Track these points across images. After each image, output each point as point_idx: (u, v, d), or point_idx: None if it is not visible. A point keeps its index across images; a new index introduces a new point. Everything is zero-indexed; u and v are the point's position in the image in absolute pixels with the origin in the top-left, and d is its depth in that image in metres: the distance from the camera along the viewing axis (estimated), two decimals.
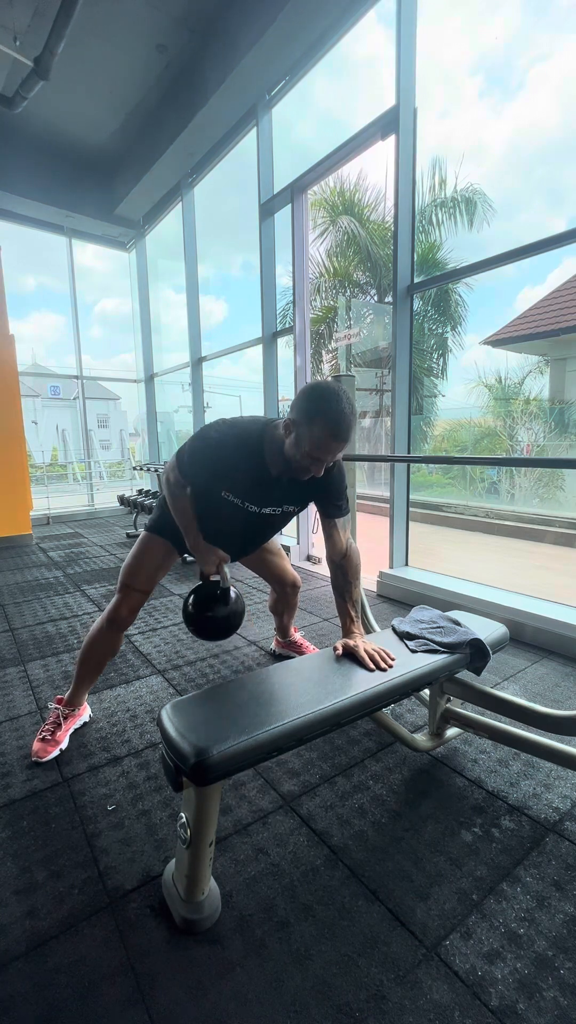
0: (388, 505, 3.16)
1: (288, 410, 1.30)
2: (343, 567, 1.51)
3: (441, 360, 10.11)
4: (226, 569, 1.46)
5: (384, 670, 1.26)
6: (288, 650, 2.24)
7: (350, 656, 1.33)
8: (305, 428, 1.23)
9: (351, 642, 1.35)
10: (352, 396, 1.86)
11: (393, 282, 2.95)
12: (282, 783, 1.45)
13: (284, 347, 4.32)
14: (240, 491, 1.42)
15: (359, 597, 1.54)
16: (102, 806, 1.37)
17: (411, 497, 3.17)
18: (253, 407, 10.04)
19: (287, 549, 4.02)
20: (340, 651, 1.35)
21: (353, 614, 1.46)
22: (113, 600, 1.62)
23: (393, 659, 1.30)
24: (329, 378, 1.50)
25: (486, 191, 9.22)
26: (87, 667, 1.66)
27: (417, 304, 7.30)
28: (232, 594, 1.47)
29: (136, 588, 1.61)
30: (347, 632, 1.43)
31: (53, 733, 1.61)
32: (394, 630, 1.52)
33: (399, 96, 2.81)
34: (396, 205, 2.88)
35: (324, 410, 1.20)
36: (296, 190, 3.75)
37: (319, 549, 3.97)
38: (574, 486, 7.09)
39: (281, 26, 3.20)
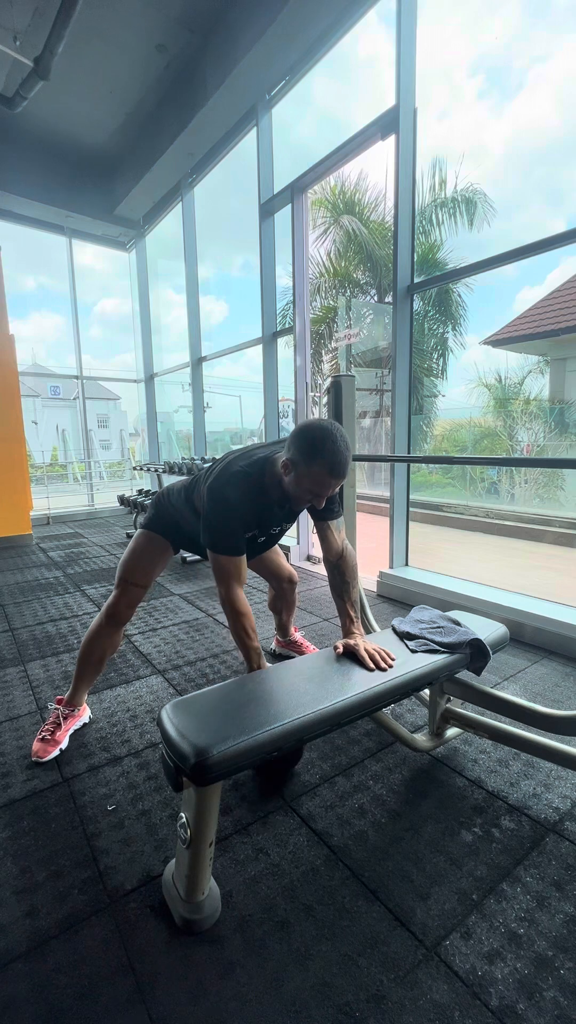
0: (388, 505, 3.16)
1: (285, 448, 1.33)
2: (339, 567, 1.52)
3: (441, 360, 10.12)
4: None
5: (384, 670, 1.26)
6: (288, 650, 2.24)
7: (350, 656, 1.33)
8: (304, 468, 1.27)
9: (351, 642, 1.35)
10: (352, 395, 1.87)
11: (393, 282, 2.95)
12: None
13: (284, 347, 4.32)
14: (252, 526, 1.48)
15: (358, 597, 1.54)
16: (102, 806, 1.37)
17: (411, 497, 3.17)
18: (253, 407, 10.03)
19: (287, 550, 4.02)
20: (340, 651, 1.35)
21: (352, 614, 1.46)
22: (111, 596, 1.64)
23: (393, 659, 1.30)
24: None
25: (486, 191, 9.23)
26: (87, 665, 1.66)
27: (417, 304, 7.30)
28: None
29: (134, 583, 1.63)
30: (347, 632, 1.43)
31: (53, 733, 1.61)
32: (394, 630, 1.52)
33: (399, 96, 2.81)
34: (396, 205, 2.88)
35: (321, 451, 1.24)
36: (296, 190, 3.75)
37: (319, 549, 3.97)
38: (574, 486, 7.09)
39: (281, 26, 3.20)
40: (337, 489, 1.39)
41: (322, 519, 1.52)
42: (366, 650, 1.31)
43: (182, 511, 1.61)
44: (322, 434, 1.26)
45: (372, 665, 1.27)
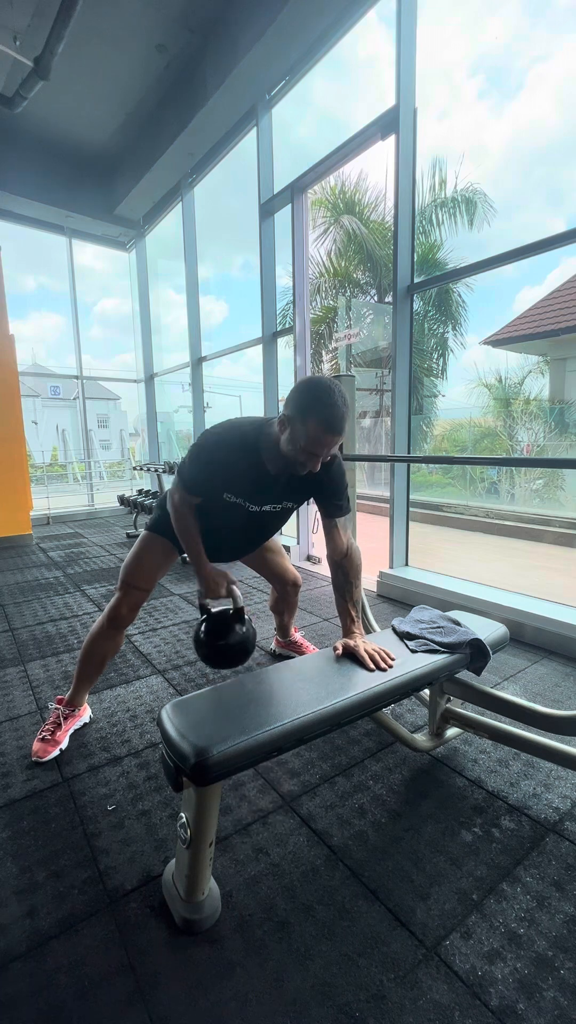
0: (388, 505, 3.16)
1: (284, 405, 1.30)
2: (344, 567, 1.50)
3: (441, 360, 10.12)
4: (237, 590, 1.45)
5: (384, 670, 1.26)
6: (288, 650, 2.24)
7: (350, 656, 1.33)
8: (299, 423, 1.23)
9: (351, 642, 1.35)
10: (352, 395, 1.87)
11: (393, 282, 2.95)
12: (282, 783, 1.45)
13: (284, 347, 4.32)
14: (240, 491, 1.42)
15: (360, 597, 1.54)
16: (102, 806, 1.37)
17: (411, 497, 3.17)
18: (253, 407, 10.03)
19: (287, 549, 4.02)
20: (340, 651, 1.35)
21: (354, 614, 1.46)
22: (114, 598, 1.63)
23: (393, 659, 1.30)
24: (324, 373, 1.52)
25: (486, 191, 9.24)
26: (88, 666, 1.66)
27: (417, 304, 7.30)
28: (247, 614, 1.46)
29: (136, 586, 1.62)
30: (347, 632, 1.42)
31: (53, 733, 1.61)
32: (394, 630, 1.51)
33: (399, 96, 2.81)
34: (396, 205, 2.88)
35: (317, 404, 1.20)
36: (296, 190, 3.75)
37: (319, 549, 3.97)
38: (574, 486, 7.09)
39: (281, 26, 3.20)
40: (335, 454, 1.34)
41: (329, 516, 1.50)
42: (366, 650, 1.31)
43: None
44: (319, 388, 1.22)
45: (372, 665, 1.27)
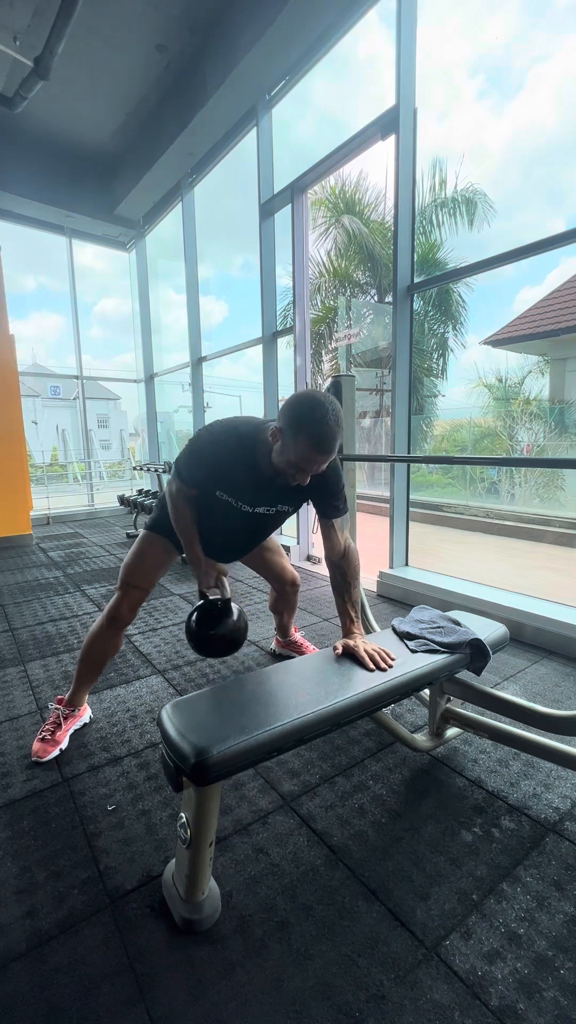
0: (388, 505, 3.16)
1: (278, 415, 1.30)
2: (342, 567, 1.50)
3: (441, 360, 10.12)
4: (226, 583, 1.46)
5: (384, 670, 1.26)
6: (288, 650, 2.24)
7: (350, 656, 1.33)
8: (290, 438, 1.22)
9: (351, 642, 1.35)
10: (352, 395, 1.87)
11: (393, 282, 2.95)
12: (282, 783, 1.45)
13: (284, 347, 4.32)
14: (233, 490, 1.43)
15: (359, 597, 1.54)
16: (102, 806, 1.37)
17: (411, 497, 3.17)
18: (253, 407, 10.04)
19: (287, 549, 4.02)
20: (340, 651, 1.35)
21: (353, 614, 1.46)
22: (113, 598, 1.63)
23: (393, 659, 1.30)
24: (324, 384, 1.52)
25: (486, 191, 9.24)
26: (88, 666, 1.66)
27: (417, 304, 7.30)
28: (234, 608, 1.46)
29: (136, 586, 1.62)
30: (347, 632, 1.42)
31: (53, 733, 1.61)
32: (394, 630, 1.51)
33: (399, 96, 2.81)
34: (396, 205, 2.88)
35: (308, 422, 1.19)
36: (296, 190, 3.75)
37: (319, 549, 3.97)
38: (574, 486, 7.09)
39: (281, 26, 3.20)
40: (326, 467, 1.32)
41: (326, 516, 1.50)
42: (366, 650, 1.31)
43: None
44: (311, 405, 1.20)
45: (372, 665, 1.27)
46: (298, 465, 1.24)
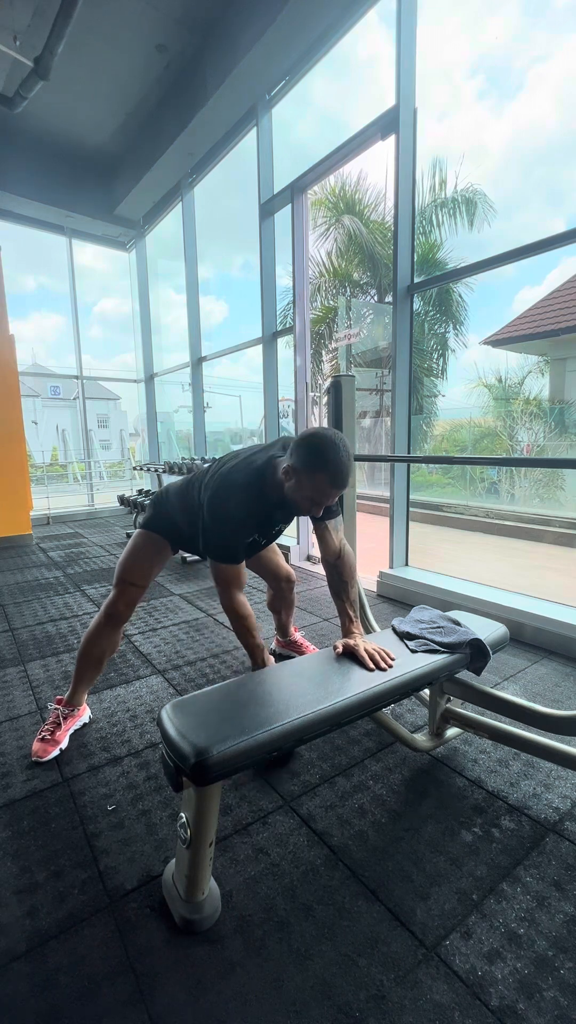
0: (388, 505, 3.16)
1: (288, 454, 1.35)
2: (338, 567, 1.53)
3: (441, 360, 10.11)
4: None
5: (384, 670, 1.26)
6: (288, 650, 2.24)
7: (350, 656, 1.33)
8: (306, 476, 1.29)
9: (351, 642, 1.36)
10: (352, 395, 1.87)
11: (393, 282, 2.95)
12: (282, 783, 1.45)
13: (284, 347, 4.32)
14: (254, 532, 1.51)
15: (356, 596, 1.55)
16: (102, 806, 1.37)
17: (411, 497, 3.17)
18: (253, 407, 10.03)
19: (287, 550, 4.02)
20: (340, 650, 1.35)
21: (352, 614, 1.47)
22: (110, 596, 1.64)
23: (393, 659, 1.30)
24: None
25: (486, 191, 9.22)
26: (86, 665, 1.66)
27: (417, 304, 7.30)
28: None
29: (133, 583, 1.63)
30: (346, 632, 1.43)
31: (53, 733, 1.61)
32: (394, 630, 1.51)
33: (399, 96, 2.81)
34: (396, 205, 2.88)
35: (325, 462, 1.26)
36: (296, 190, 3.75)
37: (319, 549, 3.96)
38: (574, 486, 7.09)
39: (281, 26, 3.20)
40: (337, 498, 1.40)
41: (322, 519, 1.52)
42: (366, 650, 1.31)
43: (181, 511, 1.61)
44: (325, 444, 1.27)
45: (372, 665, 1.27)
46: (313, 499, 1.32)
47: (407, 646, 1.40)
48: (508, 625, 1.65)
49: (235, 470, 1.43)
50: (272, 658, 1.43)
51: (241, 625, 1.47)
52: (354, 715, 1.13)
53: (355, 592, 1.55)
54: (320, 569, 3.76)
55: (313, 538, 4.05)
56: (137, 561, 1.65)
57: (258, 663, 1.48)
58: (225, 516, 1.40)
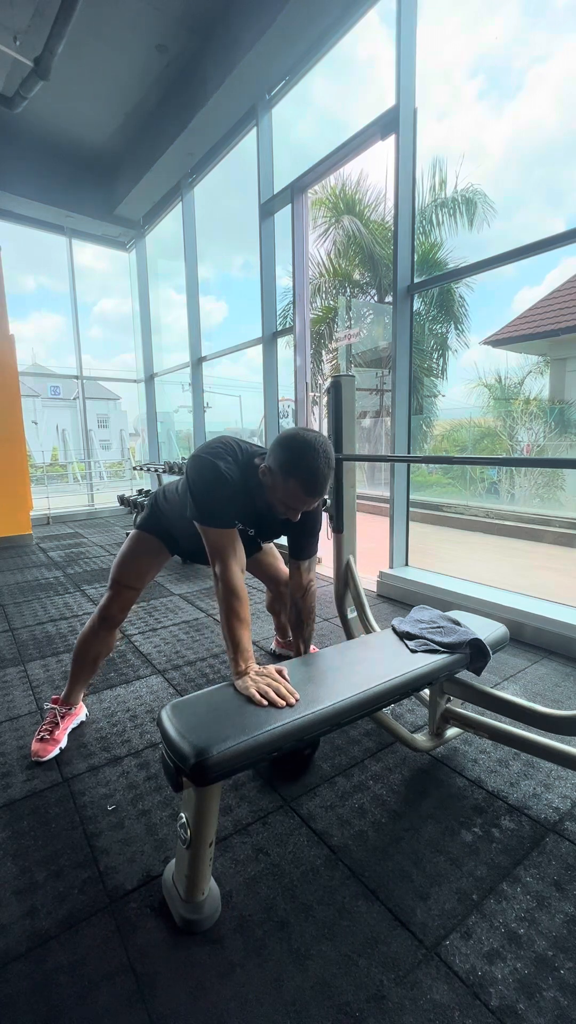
0: (388, 505, 3.16)
1: (268, 453, 1.28)
2: (299, 606, 1.54)
3: (441, 360, 10.12)
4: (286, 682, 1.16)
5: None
6: (288, 650, 2.24)
7: (351, 655, 1.34)
8: (280, 479, 1.21)
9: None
10: (352, 395, 1.86)
11: (393, 282, 2.94)
12: (282, 783, 1.45)
13: (284, 347, 4.32)
14: (243, 518, 1.40)
15: (310, 636, 1.60)
16: (102, 806, 1.37)
17: (411, 497, 3.17)
18: (253, 407, 10.04)
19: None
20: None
21: (302, 648, 1.56)
22: (104, 597, 1.63)
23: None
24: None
25: (486, 191, 9.23)
26: (81, 666, 1.66)
27: (418, 304, 7.31)
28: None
29: (128, 585, 1.62)
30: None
31: (51, 732, 1.61)
32: (394, 630, 1.52)
33: (399, 96, 2.80)
34: (396, 205, 2.88)
35: (299, 466, 1.17)
36: (296, 190, 3.75)
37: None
38: (574, 486, 7.09)
39: (281, 26, 3.20)
40: (315, 505, 1.29)
41: (298, 557, 1.52)
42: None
43: (176, 511, 1.58)
44: (302, 447, 1.17)
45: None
46: (287, 504, 1.25)
47: (407, 646, 1.40)
48: (508, 625, 1.65)
49: (213, 439, 1.40)
50: (256, 667, 1.19)
51: (232, 606, 1.23)
52: (354, 715, 1.13)
53: (309, 631, 1.57)
54: (320, 569, 3.76)
55: None
56: (131, 563, 1.63)
57: (238, 668, 1.18)
58: (213, 471, 1.28)
